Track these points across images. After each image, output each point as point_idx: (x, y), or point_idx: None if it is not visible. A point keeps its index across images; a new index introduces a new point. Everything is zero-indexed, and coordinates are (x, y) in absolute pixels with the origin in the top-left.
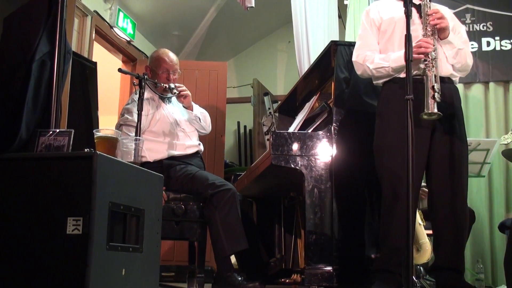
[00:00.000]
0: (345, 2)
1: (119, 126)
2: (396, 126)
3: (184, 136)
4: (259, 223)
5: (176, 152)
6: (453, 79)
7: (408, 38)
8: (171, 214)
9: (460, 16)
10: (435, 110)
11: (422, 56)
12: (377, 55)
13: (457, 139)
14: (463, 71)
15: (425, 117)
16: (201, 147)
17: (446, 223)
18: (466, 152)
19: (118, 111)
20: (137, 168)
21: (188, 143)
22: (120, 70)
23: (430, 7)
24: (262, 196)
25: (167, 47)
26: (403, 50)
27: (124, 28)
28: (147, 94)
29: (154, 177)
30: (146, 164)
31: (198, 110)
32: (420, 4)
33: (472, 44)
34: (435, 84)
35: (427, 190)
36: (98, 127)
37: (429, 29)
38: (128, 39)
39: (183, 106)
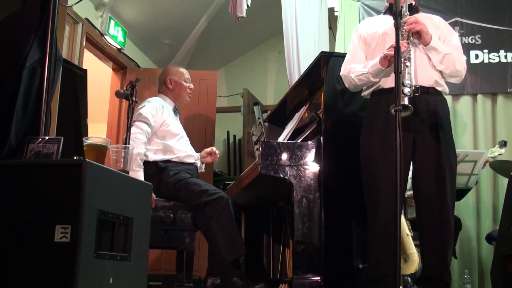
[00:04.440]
0: (336, 14)
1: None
2: (380, 138)
3: (186, 146)
4: (247, 232)
5: (174, 157)
6: (439, 88)
7: (397, 49)
8: (160, 222)
9: None
10: (406, 102)
11: (392, 53)
12: (360, 65)
13: (443, 149)
14: (455, 77)
15: (397, 108)
16: (199, 163)
17: (432, 233)
18: (453, 162)
19: (107, 119)
20: (126, 176)
21: (189, 153)
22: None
23: (407, 15)
24: (251, 205)
25: (158, 56)
26: (379, 56)
27: (115, 36)
28: (165, 103)
29: (143, 185)
30: (144, 163)
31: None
32: None
33: None
34: (406, 80)
35: None
36: (87, 135)
37: (404, 35)
38: (119, 47)
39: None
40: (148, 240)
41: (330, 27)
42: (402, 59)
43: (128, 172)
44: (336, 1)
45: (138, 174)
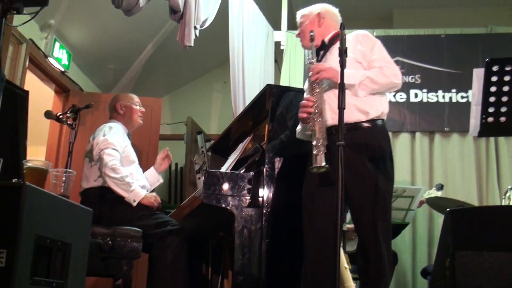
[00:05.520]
0: (282, 47)
1: (100, 151)
2: (317, 174)
3: (141, 174)
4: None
5: (136, 183)
6: (367, 118)
7: (341, 86)
8: (98, 249)
9: None
10: (323, 164)
11: (306, 115)
12: None
13: (375, 180)
14: (387, 90)
15: (314, 170)
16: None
17: (366, 265)
18: (386, 191)
19: (47, 142)
20: (66, 201)
21: (144, 183)
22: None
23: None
24: (191, 235)
25: (102, 80)
26: None
27: (59, 58)
28: (121, 127)
29: (83, 211)
30: (104, 188)
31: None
32: None
33: (400, 95)
34: (318, 138)
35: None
36: (26, 157)
37: (313, 85)
38: (63, 70)
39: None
40: (86, 267)
41: (276, 60)
42: (312, 115)
43: (68, 197)
44: (282, 35)
45: (137, 190)
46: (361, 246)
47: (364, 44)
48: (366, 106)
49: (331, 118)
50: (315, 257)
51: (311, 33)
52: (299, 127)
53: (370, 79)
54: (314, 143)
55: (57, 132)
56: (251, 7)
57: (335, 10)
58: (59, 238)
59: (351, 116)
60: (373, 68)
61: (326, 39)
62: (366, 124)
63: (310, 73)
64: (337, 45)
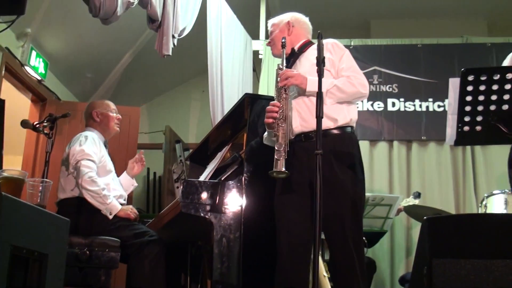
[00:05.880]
0: (260, 56)
1: (76, 162)
2: (288, 182)
3: (118, 184)
4: (164, 272)
5: (112, 195)
6: (334, 125)
7: (319, 95)
8: (75, 259)
9: (368, 77)
10: (283, 169)
11: (271, 120)
12: None
13: (344, 185)
14: (354, 99)
15: (274, 174)
16: (125, 201)
17: (340, 272)
18: (357, 196)
19: (23, 151)
20: (43, 211)
21: (121, 192)
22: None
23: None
24: (169, 244)
25: (79, 89)
26: None
27: (35, 67)
28: (96, 135)
29: (59, 221)
30: (80, 199)
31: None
32: None
33: (378, 104)
34: (280, 143)
35: None
36: (1, 167)
37: (280, 91)
38: (39, 79)
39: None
40: (63, 277)
41: (254, 69)
42: (277, 120)
43: (45, 207)
44: (261, 45)
45: (114, 203)
46: (331, 253)
47: (333, 52)
48: (334, 114)
49: (300, 125)
50: (290, 266)
51: (283, 40)
52: (265, 134)
53: (338, 88)
54: (276, 147)
55: (34, 141)
56: (229, 17)
57: (305, 19)
58: (35, 249)
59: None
60: (341, 77)
61: (296, 47)
62: (335, 131)
63: (278, 78)
64: (306, 53)
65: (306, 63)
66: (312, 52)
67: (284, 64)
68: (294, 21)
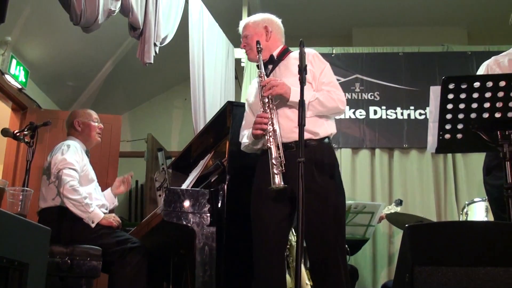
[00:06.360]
0: (242, 64)
1: (58, 171)
2: (262, 189)
3: (100, 193)
4: (147, 280)
5: (95, 203)
6: (316, 137)
7: (301, 103)
8: (56, 269)
9: (350, 85)
10: (282, 183)
11: (260, 132)
12: (247, 132)
13: (326, 194)
14: (332, 114)
15: (274, 188)
16: (107, 211)
17: (325, 281)
18: (338, 203)
19: (3, 160)
20: (23, 220)
21: (103, 202)
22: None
23: (264, 78)
24: (151, 252)
25: (60, 97)
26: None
27: (16, 75)
28: (79, 145)
29: (40, 230)
30: (62, 208)
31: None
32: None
33: (360, 112)
34: (276, 157)
35: None
36: None
37: (266, 101)
38: (20, 87)
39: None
40: (44, 287)
41: (236, 77)
42: (267, 132)
43: (25, 216)
44: (243, 52)
45: (96, 211)
46: (316, 261)
47: (314, 65)
48: (315, 127)
49: (282, 136)
50: (267, 274)
51: (258, 46)
52: (245, 141)
53: (319, 102)
54: (273, 162)
55: (14, 150)
56: (211, 25)
57: (279, 22)
58: (16, 258)
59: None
60: (322, 91)
61: (275, 54)
62: (314, 142)
63: (262, 87)
64: (286, 61)
65: (287, 72)
66: (292, 61)
67: (263, 71)
68: (271, 26)
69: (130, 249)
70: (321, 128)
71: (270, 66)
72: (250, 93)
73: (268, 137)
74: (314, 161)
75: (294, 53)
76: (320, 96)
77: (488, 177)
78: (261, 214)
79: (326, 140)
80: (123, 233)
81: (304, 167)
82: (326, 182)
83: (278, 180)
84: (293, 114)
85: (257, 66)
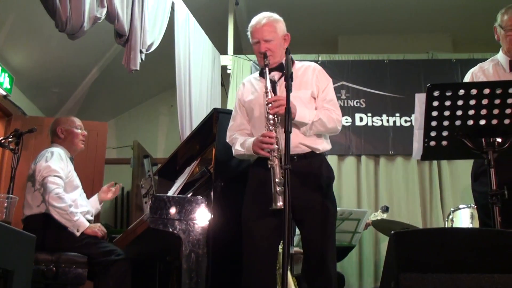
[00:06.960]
0: (228, 71)
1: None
2: (255, 201)
3: (85, 200)
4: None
5: (78, 211)
6: (316, 151)
7: (287, 111)
8: (41, 276)
9: (335, 92)
10: (281, 203)
11: (267, 153)
12: (240, 139)
13: (323, 205)
14: (330, 134)
15: (273, 208)
16: (92, 217)
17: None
18: (331, 216)
19: None
20: (8, 227)
21: (88, 208)
22: None
23: (270, 94)
24: (137, 259)
25: (46, 104)
26: (253, 138)
27: (0, 82)
28: (63, 151)
29: (25, 237)
30: (47, 215)
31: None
32: (276, 81)
33: (346, 119)
34: (278, 178)
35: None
36: None
37: (270, 117)
38: (5, 94)
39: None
40: None
41: (222, 84)
42: (273, 152)
43: (10, 223)
44: (229, 59)
45: (81, 220)
46: (310, 267)
47: (319, 81)
48: (316, 144)
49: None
50: (257, 280)
51: (266, 60)
52: (240, 149)
53: (321, 122)
54: (276, 181)
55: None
56: (197, 32)
57: None
58: (0, 265)
59: (302, 151)
60: (322, 109)
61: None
62: (315, 156)
63: (267, 103)
64: (294, 72)
65: (295, 84)
66: (302, 77)
67: (269, 87)
68: (286, 34)
69: (114, 261)
70: (321, 145)
71: (274, 74)
72: (244, 92)
73: (272, 156)
74: (314, 173)
75: (300, 65)
76: (323, 116)
77: (475, 183)
78: (252, 228)
79: (323, 154)
80: (108, 244)
81: (305, 179)
82: (323, 193)
83: (280, 203)
84: (297, 128)
85: (259, 73)
